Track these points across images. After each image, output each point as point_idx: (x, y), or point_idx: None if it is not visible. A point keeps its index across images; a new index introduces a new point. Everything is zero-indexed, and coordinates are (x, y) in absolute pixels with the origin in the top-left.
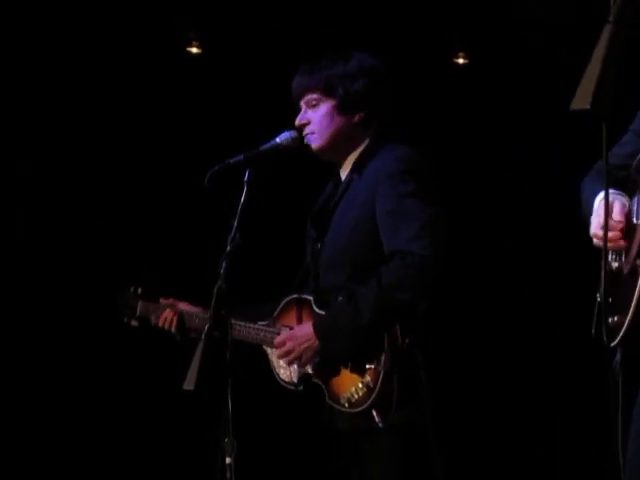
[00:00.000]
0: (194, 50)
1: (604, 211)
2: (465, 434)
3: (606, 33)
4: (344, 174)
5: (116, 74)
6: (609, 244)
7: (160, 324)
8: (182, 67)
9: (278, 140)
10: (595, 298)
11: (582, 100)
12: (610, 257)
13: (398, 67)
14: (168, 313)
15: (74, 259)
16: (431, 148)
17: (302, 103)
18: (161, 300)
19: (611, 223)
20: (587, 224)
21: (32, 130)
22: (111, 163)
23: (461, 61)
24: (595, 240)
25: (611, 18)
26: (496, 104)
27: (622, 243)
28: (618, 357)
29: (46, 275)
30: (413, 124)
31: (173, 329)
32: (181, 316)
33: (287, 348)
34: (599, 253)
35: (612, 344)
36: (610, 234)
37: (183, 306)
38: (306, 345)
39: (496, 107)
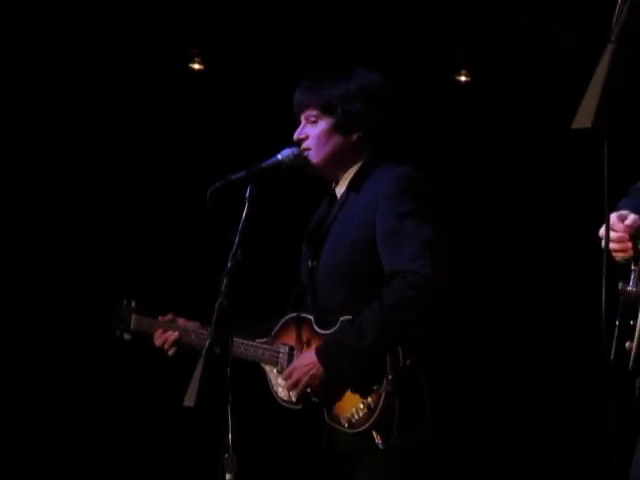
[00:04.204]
0: (196, 66)
1: (605, 230)
2: (470, 457)
3: (608, 52)
4: (340, 192)
5: (118, 90)
6: (616, 245)
7: (158, 344)
8: (184, 83)
9: (280, 157)
10: (615, 323)
11: (583, 119)
12: (631, 282)
13: (399, 83)
14: (170, 335)
15: (72, 271)
16: (430, 164)
17: (302, 117)
18: (160, 317)
19: (619, 225)
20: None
21: (35, 144)
22: (113, 177)
23: (463, 79)
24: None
25: (613, 37)
26: (498, 122)
27: (629, 247)
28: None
29: (45, 284)
30: (413, 140)
31: (170, 352)
32: (179, 338)
33: (294, 379)
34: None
35: (628, 369)
36: (615, 235)
37: (180, 322)
38: (312, 373)
39: (497, 125)
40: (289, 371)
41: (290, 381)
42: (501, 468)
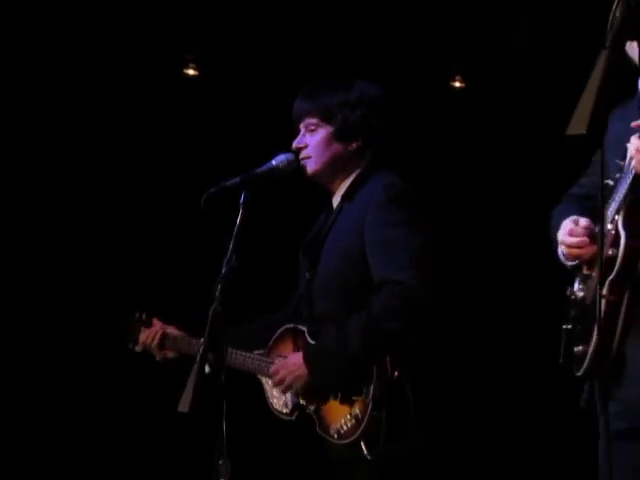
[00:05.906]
0: (191, 72)
1: (600, 234)
2: (457, 467)
3: (602, 58)
4: (336, 202)
5: (113, 97)
6: (579, 250)
7: (140, 341)
8: (179, 89)
9: (274, 163)
10: (561, 326)
11: (578, 125)
12: (577, 286)
13: (394, 90)
14: (153, 331)
15: (70, 271)
16: (425, 172)
17: (301, 126)
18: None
19: (577, 229)
20: (554, 248)
21: (34, 146)
22: (107, 183)
23: (457, 85)
24: (562, 248)
25: (607, 44)
26: (492, 128)
27: (590, 249)
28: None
29: (42, 284)
30: (408, 147)
31: (154, 343)
32: (164, 336)
33: (279, 377)
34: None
35: (578, 374)
36: (576, 240)
37: (178, 331)
38: (296, 374)
39: (492, 131)
40: (275, 368)
41: (275, 378)
42: (501, 468)
